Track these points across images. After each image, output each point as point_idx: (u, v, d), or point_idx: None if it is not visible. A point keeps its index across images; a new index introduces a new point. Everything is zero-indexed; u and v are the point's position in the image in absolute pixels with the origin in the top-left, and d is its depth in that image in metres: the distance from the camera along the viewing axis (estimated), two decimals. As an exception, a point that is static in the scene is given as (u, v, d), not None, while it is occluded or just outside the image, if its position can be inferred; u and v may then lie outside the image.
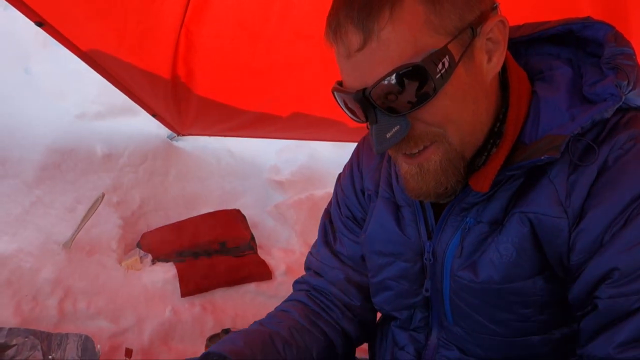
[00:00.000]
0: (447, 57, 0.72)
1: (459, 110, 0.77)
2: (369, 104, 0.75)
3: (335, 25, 0.76)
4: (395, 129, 0.75)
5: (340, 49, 0.76)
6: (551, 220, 0.78)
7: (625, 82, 0.77)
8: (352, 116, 0.81)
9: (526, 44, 0.90)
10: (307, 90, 2.21)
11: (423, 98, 0.73)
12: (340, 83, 0.81)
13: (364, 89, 0.74)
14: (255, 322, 1.06)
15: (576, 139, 0.77)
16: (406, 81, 0.72)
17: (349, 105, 0.79)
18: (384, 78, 0.72)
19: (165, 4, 1.76)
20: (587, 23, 0.83)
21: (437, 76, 0.72)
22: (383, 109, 0.75)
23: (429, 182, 0.81)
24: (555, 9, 1.78)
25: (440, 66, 0.72)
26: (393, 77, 0.72)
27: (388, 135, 0.75)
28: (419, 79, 0.72)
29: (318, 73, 2.03)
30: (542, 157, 0.76)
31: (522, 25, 0.90)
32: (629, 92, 0.77)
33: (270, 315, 1.09)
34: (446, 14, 0.72)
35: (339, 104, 0.83)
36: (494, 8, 0.78)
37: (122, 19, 1.78)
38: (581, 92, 0.80)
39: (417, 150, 0.79)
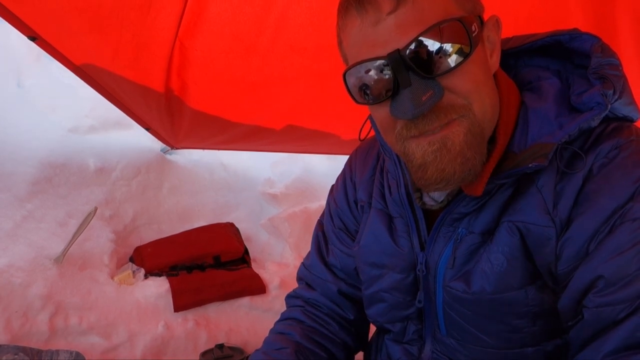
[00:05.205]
0: (475, 24, 0.75)
1: (484, 83, 0.78)
2: (402, 66, 0.73)
3: None
4: (429, 93, 0.73)
5: (368, 17, 0.75)
6: (539, 229, 0.78)
7: (611, 92, 0.77)
8: (364, 98, 0.79)
9: (515, 56, 0.91)
10: (301, 103, 2.21)
11: (459, 57, 0.74)
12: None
13: (398, 50, 0.73)
14: (256, 351, 1.03)
15: (563, 147, 0.78)
16: (443, 37, 0.73)
17: (373, 76, 0.77)
18: (421, 34, 0.72)
19: (159, 17, 1.77)
20: (574, 35, 0.84)
21: (474, 34, 0.74)
22: (418, 70, 0.73)
23: (454, 159, 0.76)
24: (549, 21, 1.81)
25: (473, 27, 0.75)
26: (431, 33, 0.72)
27: (424, 99, 0.73)
28: (455, 36, 0.73)
29: (312, 86, 2.04)
30: (530, 165, 0.76)
31: (512, 38, 0.92)
32: (615, 101, 0.78)
33: (269, 342, 1.05)
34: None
35: (348, 89, 0.80)
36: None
37: (117, 33, 1.78)
38: (569, 102, 0.81)
39: (439, 126, 0.76)
